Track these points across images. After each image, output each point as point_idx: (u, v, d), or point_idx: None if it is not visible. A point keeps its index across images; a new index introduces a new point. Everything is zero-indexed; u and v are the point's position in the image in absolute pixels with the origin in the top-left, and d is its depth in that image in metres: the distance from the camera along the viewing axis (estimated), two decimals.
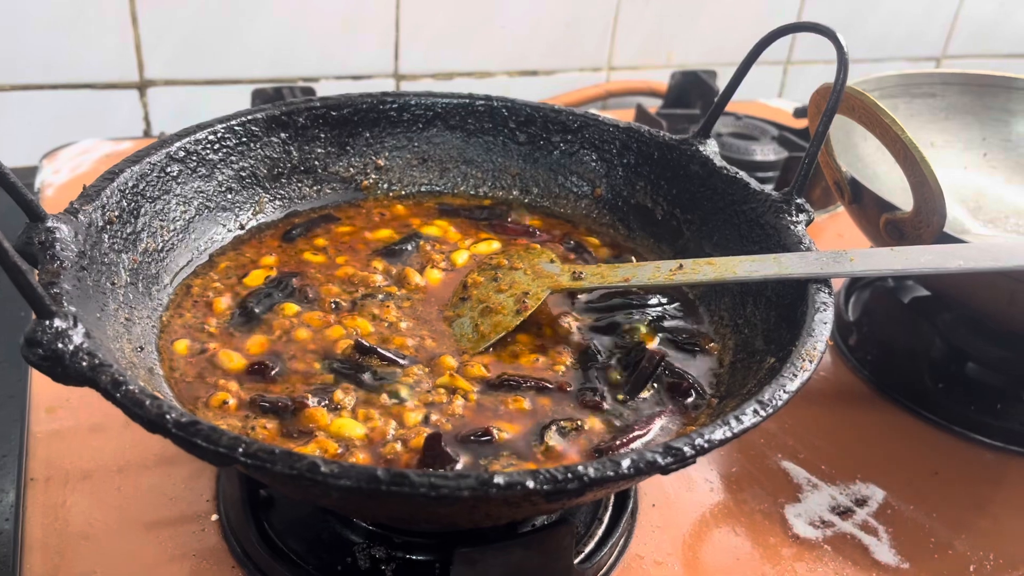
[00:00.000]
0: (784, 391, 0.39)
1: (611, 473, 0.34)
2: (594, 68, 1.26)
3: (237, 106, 1.05)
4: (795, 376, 0.40)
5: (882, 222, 0.60)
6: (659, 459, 0.35)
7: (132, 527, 0.52)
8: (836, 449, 0.65)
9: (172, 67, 1.05)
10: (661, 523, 0.57)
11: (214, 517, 0.53)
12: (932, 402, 0.68)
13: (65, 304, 0.39)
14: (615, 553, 0.53)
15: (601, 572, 0.52)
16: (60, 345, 0.36)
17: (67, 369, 0.36)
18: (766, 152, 1.01)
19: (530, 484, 0.33)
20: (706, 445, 0.36)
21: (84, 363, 0.36)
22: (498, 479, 0.33)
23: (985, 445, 0.67)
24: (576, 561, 0.50)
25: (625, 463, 0.34)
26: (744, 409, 0.38)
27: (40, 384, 0.62)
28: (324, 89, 1.09)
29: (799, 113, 1.09)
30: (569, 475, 0.33)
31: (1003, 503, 0.62)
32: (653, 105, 1.15)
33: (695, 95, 1.13)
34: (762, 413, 0.38)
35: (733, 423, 0.37)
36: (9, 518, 0.55)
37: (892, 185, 0.76)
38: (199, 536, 0.52)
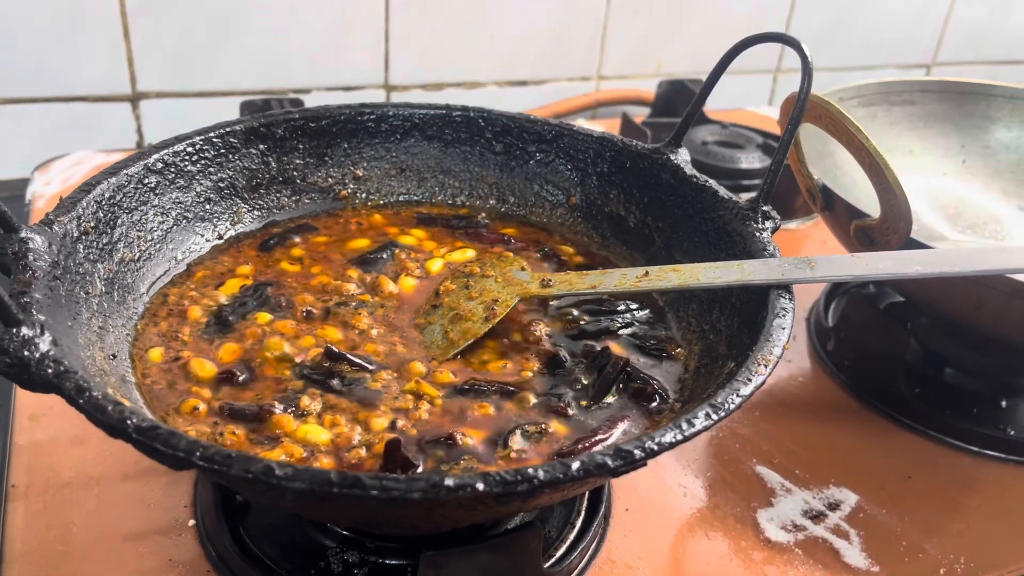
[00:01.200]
0: (737, 395, 0.40)
1: (560, 475, 0.35)
2: (583, 78, 1.27)
3: (228, 118, 1.08)
4: (749, 380, 0.41)
5: (852, 228, 0.61)
6: (608, 461, 0.36)
7: (111, 536, 0.53)
8: (811, 454, 0.65)
9: (164, 79, 1.06)
10: (634, 527, 0.57)
11: (191, 523, 0.54)
12: (908, 407, 0.69)
13: (34, 313, 0.40)
14: (586, 557, 0.54)
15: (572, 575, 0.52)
16: (26, 352, 0.37)
17: (33, 376, 0.37)
18: (751, 160, 1.02)
19: (480, 486, 0.34)
20: (655, 448, 0.37)
21: (50, 370, 0.37)
22: (448, 481, 0.34)
23: (961, 450, 0.67)
24: (547, 565, 0.51)
25: (575, 465, 0.35)
26: (696, 413, 0.39)
27: (24, 392, 0.63)
28: (314, 101, 1.10)
29: None
30: (519, 477, 0.34)
31: (976, 507, 0.62)
32: (641, 114, 1.16)
33: (681, 104, 1.14)
34: (713, 416, 0.39)
35: (684, 426, 0.38)
36: None
37: (870, 191, 0.76)
38: (176, 542, 0.53)
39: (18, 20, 0.96)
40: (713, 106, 1.19)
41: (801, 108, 0.53)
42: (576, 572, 0.53)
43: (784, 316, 0.45)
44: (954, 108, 0.84)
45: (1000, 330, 0.65)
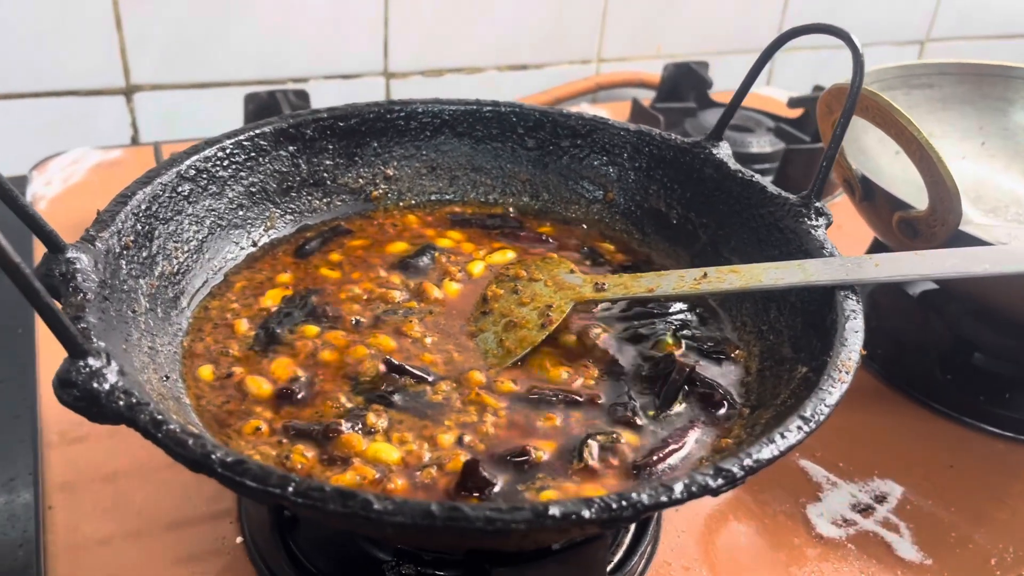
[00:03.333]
0: (825, 405, 0.39)
1: (664, 499, 0.34)
2: (583, 61, 1.25)
3: (226, 109, 1.05)
4: (833, 389, 0.40)
5: (895, 220, 0.60)
6: (710, 482, 0.35)
7: (158, 561, 0.51)
8: (851, 445, 0.65)
9: (158, 71, 1.03)
10: (685, 527, 0.57)
11: (239, 540, 0.53)
12: (942, 394, 0.69)
13: (95, 340, 0.38)
14: (643, 560, 0.53)
15: None
16: (95, 385, 0.35)
17: (104, 409, 0.36)
18: (762, 144, 1.01)
19: (586, 514, 0.33)
20: (754, 465, 0.36)
21: (121, 402, 0.35)
22: (553, 510, 0.33)
23: (997, 436, 0.67)
24: (607, 571, 0.50)
25: (678, 488, 0.34)
26: (788, 425, 0.38)
27: (51, 406, 0.61)
28: (315, 89, 1.07)
29: (794, 103, 1.09)
30: (624, 503, 0.33)
31: (1019, 495, 0.62)
32: (646, 97, 1.15)
33: (688, 87, 1.12)
34: (806, 428, 0.38)
35: (779, 440, 0.37)
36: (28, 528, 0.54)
37: (893, 176, 0.76)
38: (227, 562, 0.51)
39: (4, 11, 0.92)
40: (717, 88, 1.18)
41: (854, 101, 0.52)
42: None
43: (855, 319, 0.45)
44: (972, 90, 0.84)
45: None
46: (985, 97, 0.84)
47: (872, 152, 0.78)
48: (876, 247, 0.79)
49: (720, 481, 0.35)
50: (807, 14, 1.34)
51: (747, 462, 0.36)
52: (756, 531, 0.57)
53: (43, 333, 0.68)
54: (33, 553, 0.52)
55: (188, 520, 0.54)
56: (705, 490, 0.35)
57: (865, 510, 0.60)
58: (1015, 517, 0.60)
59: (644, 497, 0.34)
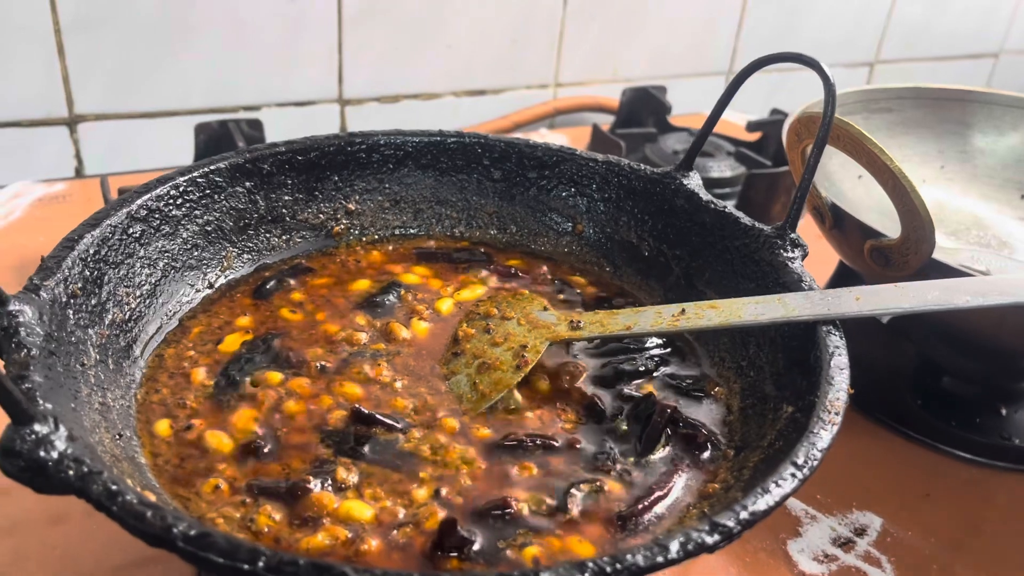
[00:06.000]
0: (817, 449, 0.38)
1: (660, 559, 0.32)
2: (541, 85, 1.25)
3: (175, 140, 1.02)
4: (824, 432, 0.39)
5: (867, 248, 0.60)
6: (707, 539, 0.33)
7: None
8: (827, 476, 0.64)
9: (103, 100, 0.99)
10: (669, 571, 0.55)
11: None
12: (914, 420, 0.69)
13: (40, 402, 0.35)
14: None
15: None
16: (42, 453, 0.33)
17: (51, 480, 0.33)
18: (722, 169, 1.01)
19: None
20: (751, 518, 0.34)
21: (71, 471, 0.33)
22: None
23: (969, 462, 0.67)
24: None
25: (674, 547, 0.32)
26: (781, 473, 0.36)
27: None
28: (267, 117, 1.05)
29: (752, 127, 1.09)
30: (618, 566, 0.31)
31: (995, 522, 0.62)
32: (605, 123, 1.14)
33: (646, 112, 1.12)
34: (799, 476, 0.37)
35: (774, 489, 0.36)
36: None
37: (857, 201, 0.76)
38: None
39: None
40: (673, 112, 1.18)
41: (827, 131, 0.51)
42: None
43: (840, 355, 0.44)
44: (929, 114, 0.85)
45: (998, 339, 0.65)
46: (943, 121, 0.85)
47: (835, 177, 0.78)
48: (842, 272, 0.79)
49: (716, 537, 0.33)
50: (761, 37, 1.35)
51: (743, 515, 0.34)
52: (738, 571, 0.56)
53: None
54: None
55: (143, 562, 0.50)
56: (702, 548, 0.33)
57: (846, 544, 0.59)
58: (994, 546, 0.60)
59: (640, 559, 0.32)
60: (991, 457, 0.67)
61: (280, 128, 1.05)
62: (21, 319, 0.39)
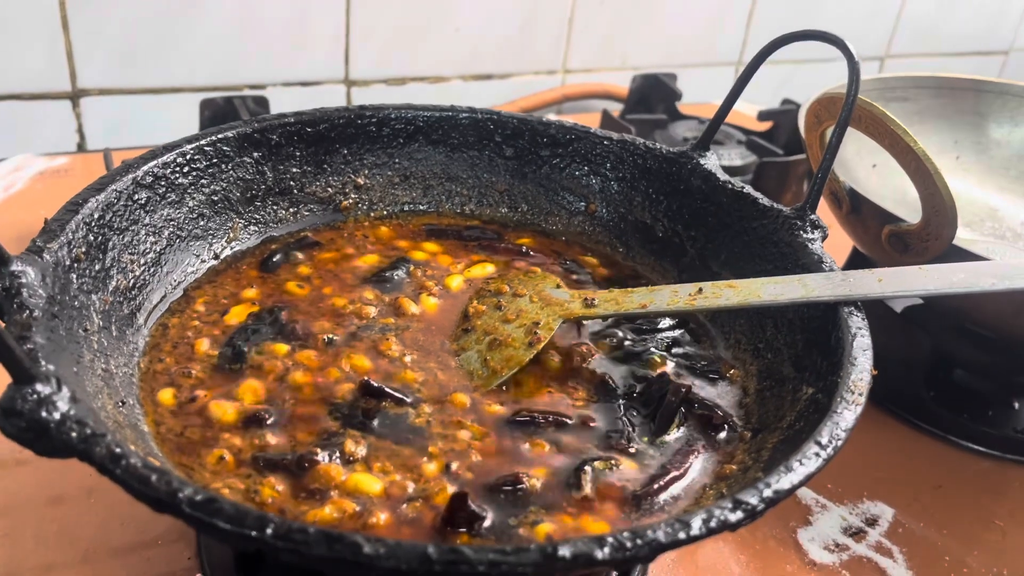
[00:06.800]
0: (841, 429, 0.37)
1: (682, 536, 0.31)
2: (549, 71, 1.23)
3: (178, 116, 1.01)
4: (848, 412, 0.38)
5: (885, 233, 0.59)
6: (730, 516, 0.32)
7: None
8: (838, 465, 0.62)
9: (107, 75, 0.98)
10: (676, 555, 0.54)
11: None
12: (927, 412, 0.68)
13: (43, 363, 0.34)
14: None
15: None
16: (44, 414, 0.31)
17: (53, 441, 0.32)
18: (732, 157, 1.00)
19: (598, 555, 0.30)
20: (774, 496, 0.33)
21: (73, 433, 0.32)
22: (563, 551, 0.29)
23: (982, 454, 0.66)
24: None
25: (696, 524, 0.31)
26: (805, 452, 0.35)
27: None
28: (273, 96, 1.03)
29: (763, 116, 1.08)
30: (639, 541, 0.30)
31: (1007, 515, 0.61)
32: (614, 109, 1.13)
33: (656, 98, 1.11)
34: (823, 455, 0.36)
35: (798, 468, 0.35)
36: None
37: (872, 190, 0.75)
38: None
39: None
40: (684, 100, 1.17)
41: (850, 110, 0.50)
42: None
43: (863, 336, 0.43)
44: (947, 104, 0.84)
45: (1017, 328, 0.63)
46: (960, 111, 0.83)
47: (850, 165, 0.77)
48: (855, 259, 0.78)
49: (740, 515, 0.32)
50: (771, 28, 1.34)
51: (767, 493, 0.33)
52: (748, 558, 0.55)
53: None
54: None
55: (141, 545, 0.50)
56: (724, 525, 0.32)
57: (857, 534, 0.58)
58: (1005, 539, 0.59)
59: (660, 535, 0.31)
60: (1004, 450, 0.66)
61: (286, 107, 1.03)
62: (23, 280, 0.38)
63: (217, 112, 0.89)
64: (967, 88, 0.84)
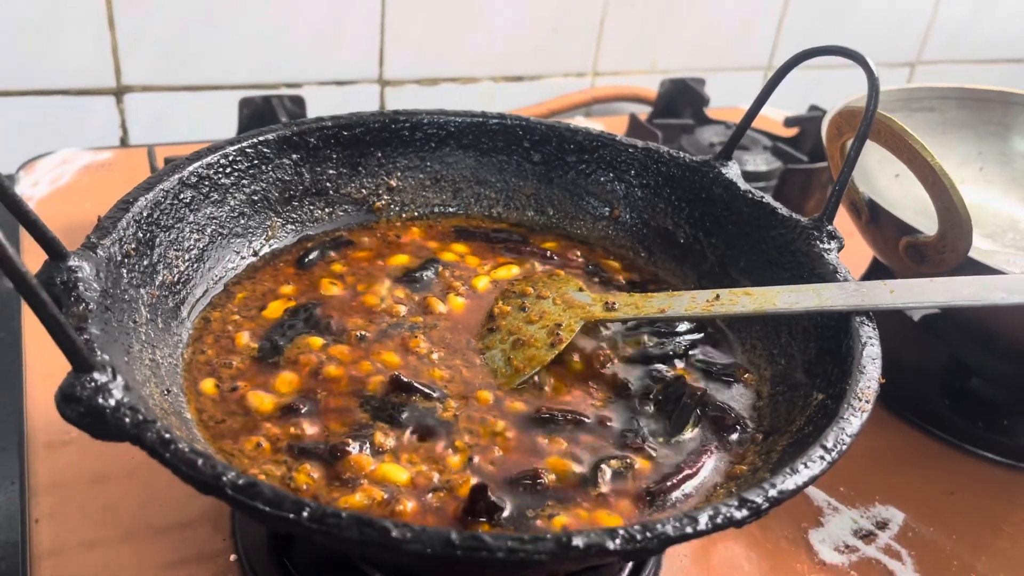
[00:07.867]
0: (846, 435, 0.39)
1: (690, 530, 0.33)
2: (579, 74, 1.25)
3: (218, 113, 1.04)
4: (854, 418, 0.40)
5: (903, 245, 0.60)
6: (736, 513, 0.34)
7: (145, 569, 0.50)
8: (851, 469, 0.65)
9: (150, 72, 1.01)
10: (688, 551, 0.56)
11: (232, 558, 0.51)
12: (941, 420, 0.69)
13: (99, 352, 0.37)
14: None
15: None
16: (101, 400, 0.34)
17: (109, 427, 0.34)
18: (758, 163, 1.01)
19: (610, 546, 0.32)
20: (779, 496, 0.35)
21: (127, 419, 0.34)
22: (577, 541, 0.32)
23: (995, 463, 0.67)
24: None
25: (703, 519, 0.33)
26: (810, 455, 0.37)
27: (37, 414, 0.59)
28: (309, 95, 1.06)
29: (790, 122, 1.09)
30: (649, 534, 0.32)
31: (1018, 523, 0.62)
32: (642, 112, 1.14)
33: (684, 103, 1.12)
34: (828, 459, 0.37)
35: (802, 470, 0.36)
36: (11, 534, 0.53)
37: (894, 199, 0.76)
38: (215, 567, 0.50)
39: None
40: (712, 105, 1.18)
41: (868, 124, 0.52)
42: None
43: (872, 345, 0.44)
44: (972, 115, 0.84)
45: None
46: (984, 123, 0.84)
47: (872, 174, 0.78)
48: (875, 268, 0.79)
49: (745, 512, 0.34)
50: (801, 34, 1.35)
51: (772, 493, 0.35)
52: (759, 556, 0.56)
53: (30, 339, 0.66)
54: (17, 559, 0.51)
55: (179, 526, 0.53)
56: (730, 522, 0.34)
57: (867, 536, 0.59)
58: (1015, 546, 0.60)
59: (669, 528, 0.33)
60: (1017, 459, 0.67)
61: (321, 106, 1.07)
62: (80, 274, 0.41)
63: (255, 111, 0.92)
64: (993, 100, 0.84)
